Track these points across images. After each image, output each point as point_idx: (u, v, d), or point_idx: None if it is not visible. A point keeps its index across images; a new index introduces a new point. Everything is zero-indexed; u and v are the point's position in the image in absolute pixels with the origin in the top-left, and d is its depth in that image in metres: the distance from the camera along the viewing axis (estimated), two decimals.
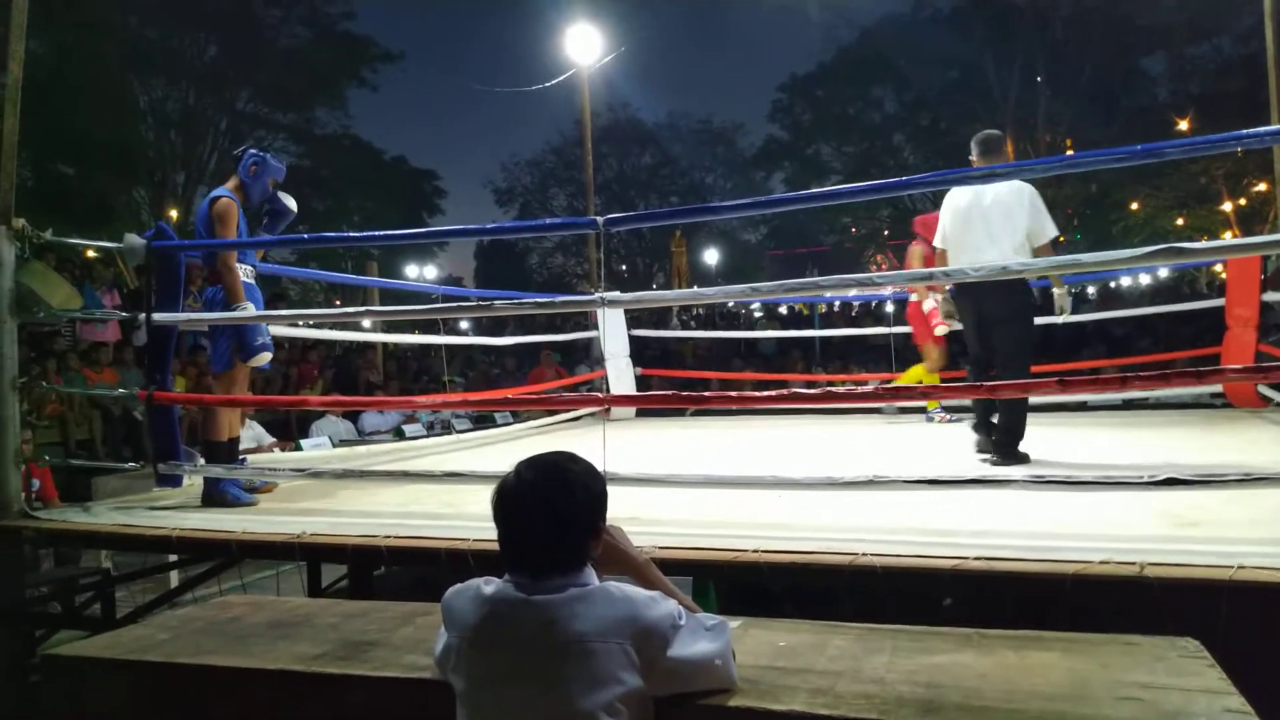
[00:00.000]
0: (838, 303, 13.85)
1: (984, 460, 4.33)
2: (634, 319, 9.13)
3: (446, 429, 7.90)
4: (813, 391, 6.62)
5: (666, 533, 2.94)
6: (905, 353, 7.90)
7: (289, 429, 8.57)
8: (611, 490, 1.83)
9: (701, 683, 1.71)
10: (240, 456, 4.49)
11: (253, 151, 4.40)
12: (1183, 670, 1.78)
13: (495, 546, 1.74)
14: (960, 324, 4.73)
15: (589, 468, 1.78)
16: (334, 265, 17.67)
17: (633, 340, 7.97)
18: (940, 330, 6.15)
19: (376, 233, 5.33)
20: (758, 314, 18.11)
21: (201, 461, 4.27)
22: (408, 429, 7.93)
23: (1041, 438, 4.74)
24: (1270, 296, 6.15)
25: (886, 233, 33.35)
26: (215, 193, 4.32)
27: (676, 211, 9.98)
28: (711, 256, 35.76)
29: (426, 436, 7.37)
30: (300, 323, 6.51)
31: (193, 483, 4.31)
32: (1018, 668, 1.84)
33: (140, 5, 19.21)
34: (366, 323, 8.79)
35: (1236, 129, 2.80)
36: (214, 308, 4.23)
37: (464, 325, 14.05)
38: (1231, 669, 1.76)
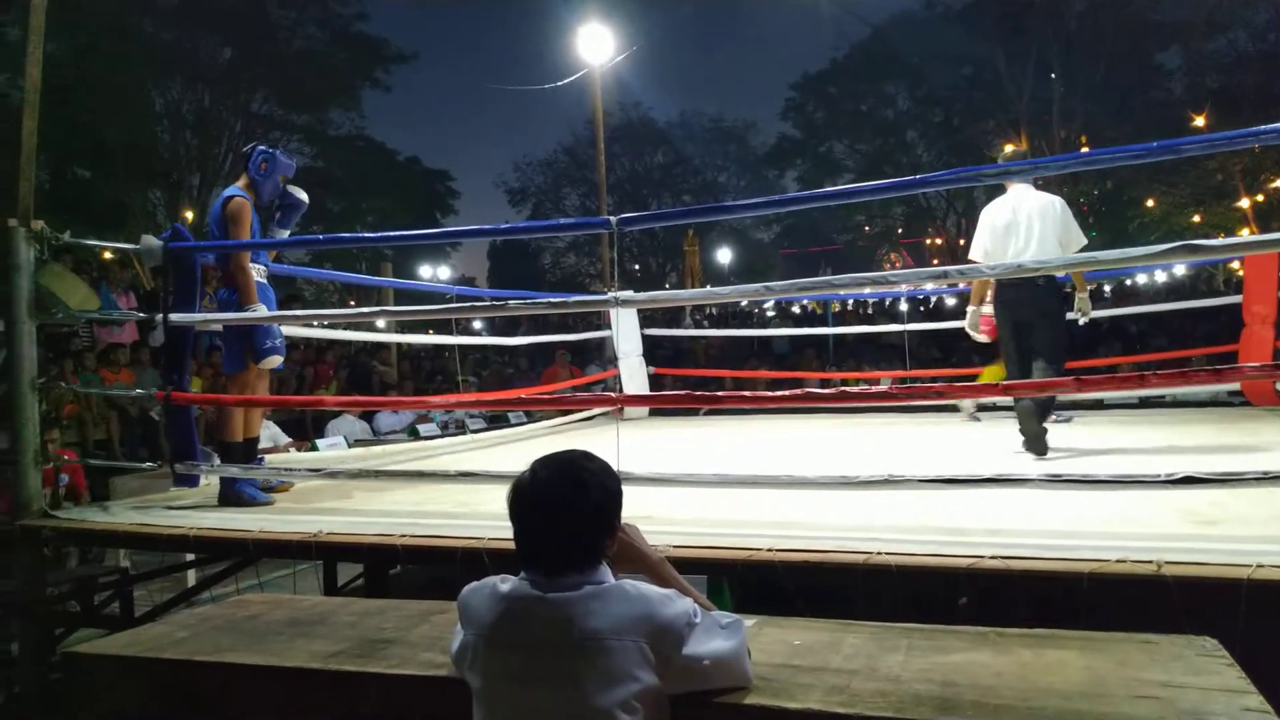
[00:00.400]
0: (851, 301, 13.83)
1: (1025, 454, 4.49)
2: (647, 318, 9.14)
3: (461, 428, 7.92)
4: (827, 391, 6.60)
5: (680, 531, 2.95)
6: (919, 351, 7.87)
7: (304, 429, 8.61)
8: (625, 489, 1.83)
9: (717, 680, 1.72)
10: (259, 456, 4.52)
11: (261, 148, 4.38)
12: (1201, 669, 1.77)
13: (511, 545, 1.75)
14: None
15: (604, 466, 1.78)
16: (348, 266, 17.74)
17: (646, 339, 7.98)
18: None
19: (390, 233, 5.35)
20: (770, 313, 18.08)
21: (218, 461, 4.30)
22: (422, 429, 7.97)
23: (1058, 436, 4.72)
24: None
25: (900, 231, 33.28)
26: (227, 192, 4.31)
27: (689, 211, 9.96)
28: (724, 255, 35.72)
29: (441, 436, 7.40)
30: (315, 323, 6.54)
31: (210, 482, 4.33)
32: (1034, 666, 1.83)
33: (156, 8, 19.35)
34: (381, 323, 8.82)
35: (1253, 124, 2.78)
36: (228, 309, 4.25)
37: (477, 325, 14.08)
38: (1251, 668, 1.75)
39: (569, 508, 1.69)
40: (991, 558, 2.45)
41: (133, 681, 2.23)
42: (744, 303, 17.93)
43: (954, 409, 6.84)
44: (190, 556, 4.39)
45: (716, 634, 1.72)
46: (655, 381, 8.19)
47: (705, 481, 3.34)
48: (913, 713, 1.62)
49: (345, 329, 7.45)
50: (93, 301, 4.66)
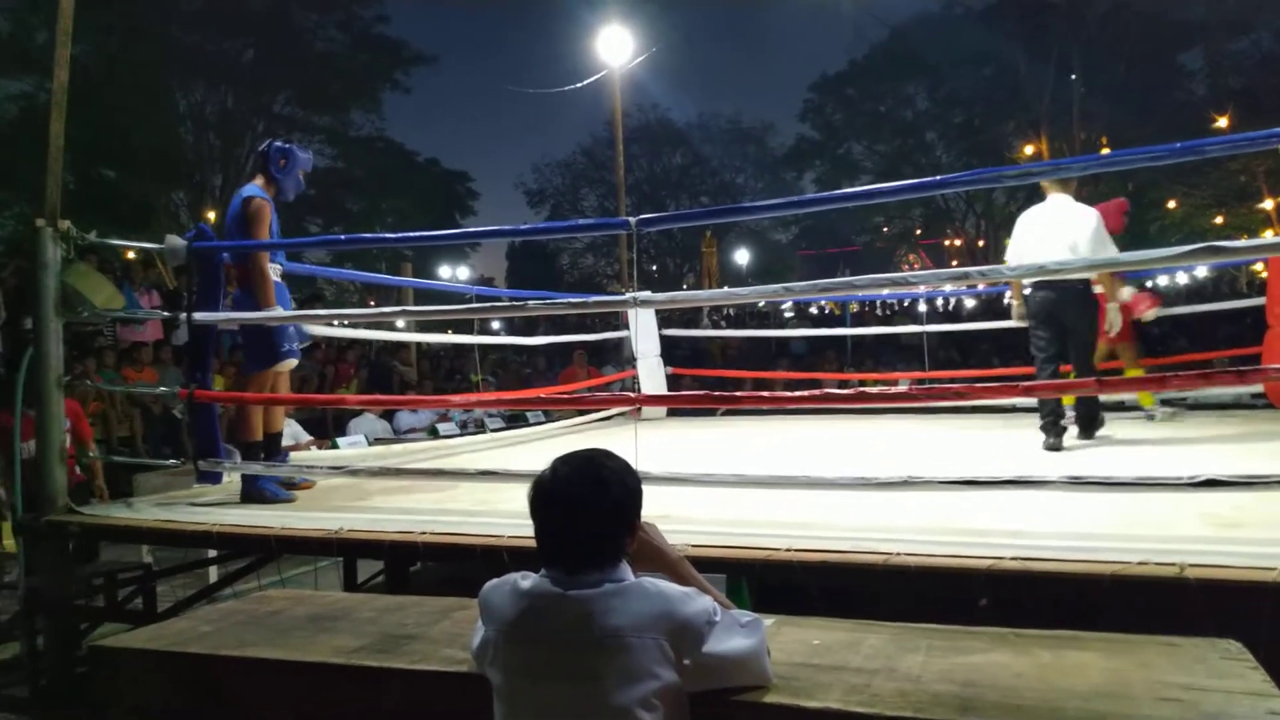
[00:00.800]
0: (869, 302, 13.79)
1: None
2: (664, 319, 9.13)
3: (480, 428, 7.95)
4: (845, 391, 6.58)
5: (699, 531, 2.95)
6: (938, 351, 7.82)
7: (326, 427, 8.67)
8: (644, 489, 1.84)
9: (736, 679, 1.72)
10: (283, 452, 4.55)
11: (277, 144, 4.35)
12: (1224, 672, 1.75)
13: (531, 542, 1.76)
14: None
15: (624, 464, 1.79)
16: (369, 266, 17.80)
17: (663, 340, 7.98)
18: (1149, 315, 6.10)
19: (410, 234, 5.39)
20: (788, 314, 18.05)
21: (240, 459, 4.34)
22: (442, 427, 7.99)
23: (1078, 438, 4.69)
24: None
25: (919, 232, 33.14)
26: (247, 191, 4.26)
27: (708, 212, 9.97)
28: (742, 256, 35.69)
29: (460, 435, 7.43)
30: (336, 322, 6.59)
31: (232, 480, 4.37)
32: (1055, 668, 1.82)
33: (181, 11, 19.54)
34: (401, 323, 8.86)
35: (1277, 125, 2.75)
36: (241, 308, 4.27)
37: (495, 325, 14.12)
38: (1276, 672, 1.73)
39: (589, 505, 1.70)
40: (1012, 559, 2.45)
41: (158, 675, 2.25)
42: (761, 303, 17.91)
43: (972, 410, 6.76)
44: (213, 553, 4.44)
45: (736, 632, 1.72)
46: (673, 382, 8.19)
47: (723, 481, 3.34)
48: (933, 713, 1.62)
49: (366, 328, 7.49)
50: (118, 300, 4.70)
